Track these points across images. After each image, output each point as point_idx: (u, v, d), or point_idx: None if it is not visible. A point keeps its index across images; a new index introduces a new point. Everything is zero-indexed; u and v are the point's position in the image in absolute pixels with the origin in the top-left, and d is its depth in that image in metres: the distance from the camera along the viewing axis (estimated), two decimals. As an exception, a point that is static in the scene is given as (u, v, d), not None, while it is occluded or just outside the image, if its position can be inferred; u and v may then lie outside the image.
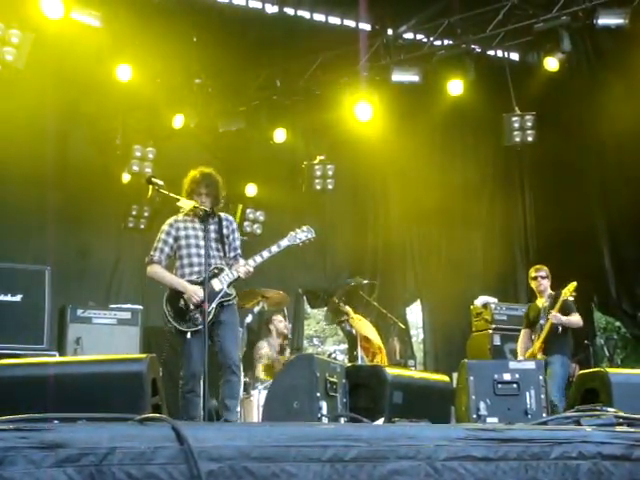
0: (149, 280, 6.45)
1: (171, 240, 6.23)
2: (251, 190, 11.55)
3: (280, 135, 11.14)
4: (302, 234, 6.60)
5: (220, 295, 6.03)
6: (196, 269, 6.13)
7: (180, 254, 6.20)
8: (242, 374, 7.59)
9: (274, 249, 6.35)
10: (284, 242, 6.46)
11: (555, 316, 8.22)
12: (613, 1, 9.42)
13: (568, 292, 8.27)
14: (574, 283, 8.31)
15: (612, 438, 3.31)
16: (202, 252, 6.06)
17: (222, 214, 6.37)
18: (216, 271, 6.08)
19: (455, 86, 10.36)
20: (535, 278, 8.67)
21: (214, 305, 5.98)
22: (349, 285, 10.17)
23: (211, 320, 5.93)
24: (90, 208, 10.60)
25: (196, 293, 5.97)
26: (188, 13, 10.39)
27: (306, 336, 17.34)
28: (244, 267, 6.15)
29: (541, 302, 8.53)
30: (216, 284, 6.03)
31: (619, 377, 4.84)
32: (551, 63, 9.90)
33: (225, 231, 6.26)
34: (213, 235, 6.20)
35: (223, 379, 5.89)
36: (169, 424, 2.64)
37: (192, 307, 6.00)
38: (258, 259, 6.25)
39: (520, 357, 8.42)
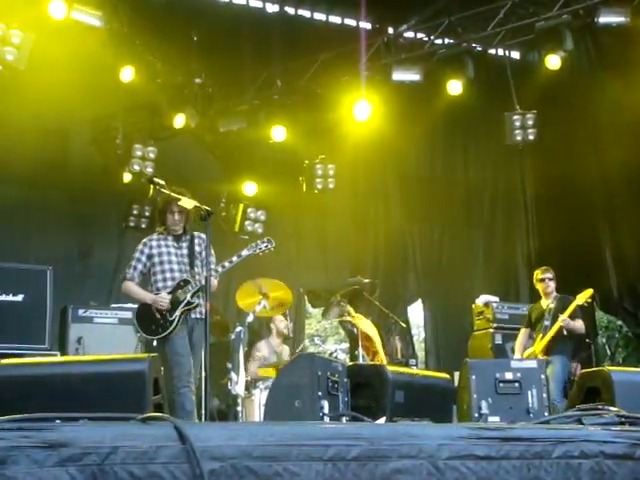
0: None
1: (144, 258, 6.66)
2: (252, 190, 11.55)
3: (281, 134, 11.13)
4: (262, 245, 6.93)
5: (183, 304, 6.40)
6: (169, 284, 6.55)
7: (154, 271, 6.63)
8: (244, 374, 7.62)
9: (234, 259, 6.70)
10: (244, 252, 6.81)
11: (566, 320, 8.21)
12: (614, -1, 9.43)
13: (583, 298, 8.28)
14: (590, 290, 8.32)
15: (614, 437, 3.31)
16: (175, 267, 6.59)
17: (195, 233, 6.73)
18: (182, 283, 6.49)
19: (454, 86, 10.35)
20: (543, 280, 8.66)
21: (177, 313, 6.38)
22: (350, 284, 10.17)
23: (175, 328, 6.35)
24: (91, 208, 10.61)
25: (161, 298, 6.43)
26: (188, 13, 10.39)
27: (307, 335, 17.30)
28: (204, 278, 6.38)
29: (546, 303, 8.52)
30: (180, 294, 6.45)
31: (621, 376, 4.83)
32: (553, 61, 9.88)
33: (197, 248, 6.64)
34: (185, 251, 6.62)
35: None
36: (171, 423, 2.64)
37: (158, 316, 6.42)
38: (219, 269, 6.59)
39: (517, 355, 8.41)
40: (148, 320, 6.45)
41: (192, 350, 6.37)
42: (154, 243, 6.67)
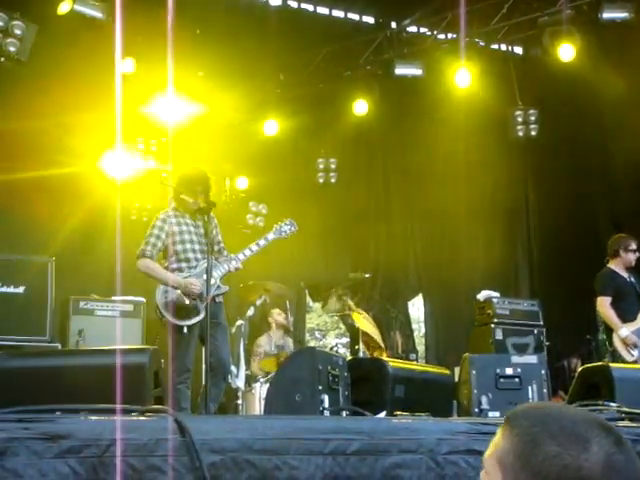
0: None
1: (163, 235, 6.28)
2: (253, 183, 11.55)
3: (283, 128, 11.12)
4: (286, 227, 6.72)
5: (214, 289, 6.06)
6: (193, 263, 6.22)
7: (175, 249, 6.24)
8: (244, 367, 7.63)
9: (262, 242, 6.49)
10: (271, 235, 6.61)
11: None
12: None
13: None
14: None
15: (614, 433, 3.30)
16: (196, 247, 6.23)
17: (211, 214, 6.39)
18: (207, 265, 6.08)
19: (462, 77, 10.31)
20: (635, 251, 8.07)
21: (208, 299, 6.00)
22: (351, 279, 10.18)
23: (205, 314, 5.98)
24: (93, 200, 10.59)
25: (190, 282, 6.06)
26: (191, 6, 10.37)
27: (308, 329, 17.30)
28: (234, 262, 6.29)
29: (626, 274, 8.02)
30: (207, 279, 6.02)
31: (621, 372, 4.84)
32: (566, 53, 9.72)
33: (210, 227, 6.29)
34: (202, 231, 6.24)
35: (213, 381, 5.91)
36: (171, 416, 2.64)
37: (188, 301, 6.07)
38: (247, 252, 6.39)
39: (624, 326, 7.69)
40: (174, 305, 6.07)
41: (219, 332, 6.11)
42: (173, 220, 6.31)
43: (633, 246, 7.95)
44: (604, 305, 7.77)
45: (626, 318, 7.65)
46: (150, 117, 10.71)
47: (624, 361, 7.52)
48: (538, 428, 1.45)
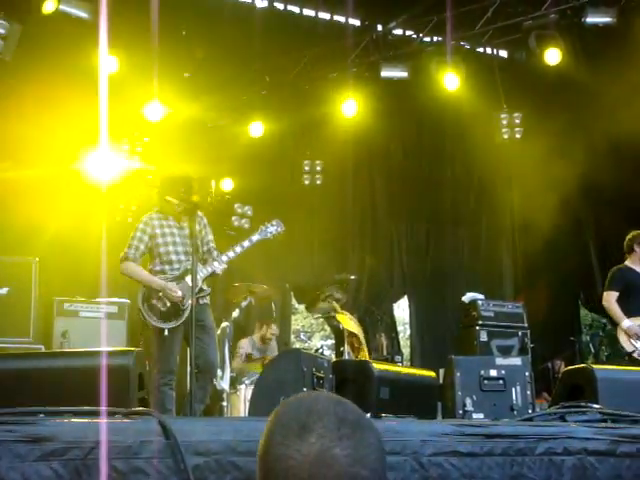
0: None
1: (146, 238, 6.31)
2: (239, 185, 11.53)
3: (269, 130, 11.12)
4: (272, 228, 6.72)
5: (197, 291, 6.03)
6: (176, 266, 6.25)
7: (158, 252, 6.29)
8: (229, 369, 7.62)
9: (246, 244, 6.48)
10: (255, 237, 6.59)
11: None
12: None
13: None
14: None
15: (597, 434, 3.33)
16: (179, 249, 6.26)
17: (199, 212, 6.39)
18: (189, 267, 6.08)
19: (450, 80, 10.34)
20: None
21: (189, 302, 6.01)
22: (337, 281, 10.18)
23: (188, 316, 5.98)
24: (76, 201, 10.55)
25: (173, 290, 6.11)
26: (177, 7, 10.35)
27: (293, 331, 17.29)
28: (217, 263, 6.29)
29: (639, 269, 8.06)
30: (190, 280, 6.03)
31: (604, 373, 4.86)
32: (552, 56, 9.76)
33: (197, 227, 6.28)
34: (187, 232, 6.25)
35: (199, 383, 5.90)
36: (155, 418, 2.64)
37: (169, 304, 6.11)
38: (231, 254, 6.38)
39: (626, 319, 7.68)
40: (156, 307, 6.12)
41: (205, 334, 6.10)
42: (156, 222, 6.34)
43: None
44: (608, 300, 7.86)
45: (634, 312, 7.71)
46: (135, 118, 10.68)
47: (626, 354, 7.59)
48: (278, 418, 1.46)
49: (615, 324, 7.81)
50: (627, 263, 8.05)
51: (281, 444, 1.40)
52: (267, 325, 9.32)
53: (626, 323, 7.61)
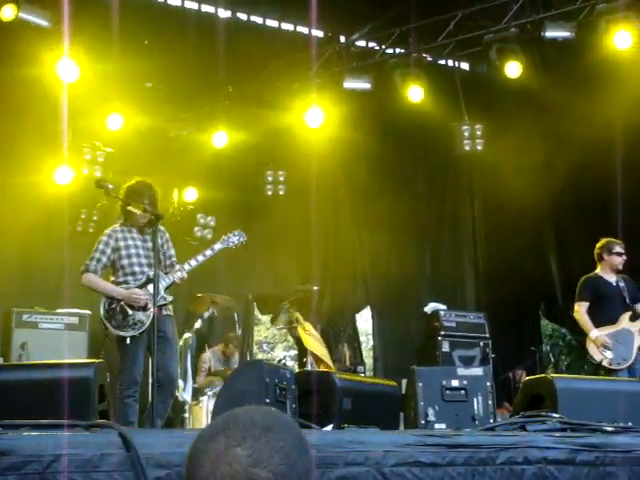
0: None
1: (109, 250, 6.32)
2: (202, 195, 11.49)
3: (232, 140, 11.10)
4: (234, 237, 6.72)
5: (159, 299, 6.04)
6: (139, 277, 6.25)
7: (122, 264, 6.29)
8: (191, 380, 7.57)
9: (208, 253, 6.48)
10: (217, 245, 6.60)
11: None
12: (560, 15, 9.62)
13: None
14: None
15: (556, 443, 3.37)
16: (143, 261, 6.27)
17: (160, 227, 6.37)
18: (151, 276, 6.10)
19: (415, 92, 10.42)
20: (622, 254, 7.98)
21: (152, 310, 6.00)
22: (299, 291, 10.19)
23: (150, 325, 5.99)
24: (37, 211, 10.43)
25: (134, 292, 6.12)
26: (139, 16, 10.31)
27: (256, 342, 17.26)
28: (179, 272, 6.28)
29: (613, 279, 7.95)
30: (152, 289, 6.03)
31: (564, 383, 4.91)
32: (512, 70, 9.86)
33: (160, 241, 6.30)
34: (150, 245, 6.29)
35: (160, 397, 5.86)
36: (116, 430, 2.62)
37: (131, 312, 6.09)
38: (193, 263, 6.39)
39: (595, 330, 7.66)
40: (117, 316, 6.12)
41: (167, 346, 6.11)
42: (119, 235, 6.35)
43: (617, 249, 7.93)
44: (578, 311, 7.83)
45: (604, 322, 7.72)
46: (97, 128, 10.61)
47: (595, 363, 7.63)
48: (207, 426, 1.51)
49: (585, 334, 7.80)
50: (597, 272, 8.00)
51: (195, 448, 1.44)
52: (230, 343, 9.30)
53: (594, 333, 7.62)
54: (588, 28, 9.59)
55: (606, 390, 5.25)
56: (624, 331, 7.68)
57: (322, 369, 9.02)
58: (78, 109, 10.13)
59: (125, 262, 6.28)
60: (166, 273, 6.33)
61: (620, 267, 7.97)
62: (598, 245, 8.04)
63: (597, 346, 7.58)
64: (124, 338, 6.06)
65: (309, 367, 8.78)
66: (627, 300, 7.85)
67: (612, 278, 7.92)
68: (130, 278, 6.27)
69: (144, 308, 6.10)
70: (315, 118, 10.75)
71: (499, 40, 9.85)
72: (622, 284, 7.90)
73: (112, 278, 6.37)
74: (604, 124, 10.97)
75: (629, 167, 11.10)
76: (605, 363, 7.57)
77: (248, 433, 1.40)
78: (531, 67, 10.41)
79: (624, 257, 7.95)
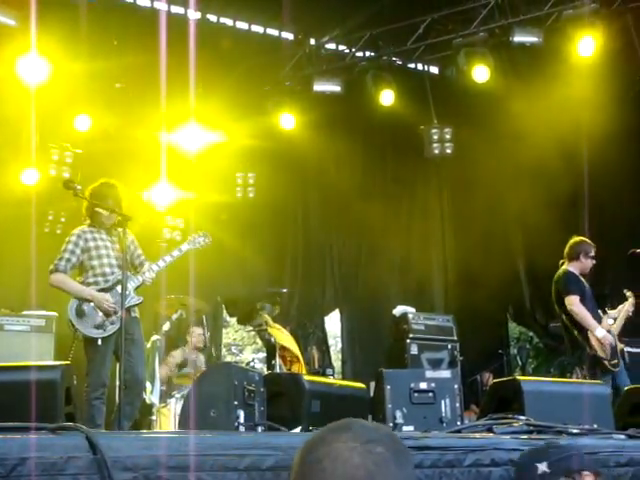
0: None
1: (78, 251, 6.30)
2: (171, 197, 11.43)
3: (199, 142, 11.06)
4: (200, 238, 6.79)
5: (128, 300, 6.07)
6: (109, 278, 6.25)
7: (92, 264, 6.28)
8: (159, 383, 7.53)
9: (176, 253, 6.55)
10: (185, 246, 6.67)
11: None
12: (528, 20, 9.73)
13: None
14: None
15: (523, 445, 3.39)
16: (113, 262, 6.28)
17: (120, 230, 6.36)
18: (120, 277, 6.09)
19: (386, 96, 10.48)
20: (595, 257, 7.91)
21: (121, 311, 5.98)
22: (268, 294, 10.17)
23: (118, 329, 5.98)
24: (4, 212, 10.32)
25: (105, 299, 6.12)
26: (108, 16, 10.25)
27: (224, 344, 17.21)
28: (147, 273, 6.34)
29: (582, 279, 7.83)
30: (120, 290, 6.03)
31: (531, 385, 4.95)
32: (480, 74, 9.92)
33: (128, 243, 6.33)
34: (117, 246, 6.31)
35: (127, 399, 5.83)
36: (83, 433, 2.60)
37: (101, 313, 6.09)
38: (161, 264, 6.44)
39: (600, 327, 7.52)
40: (87, 317, 6.10)
41: (134, 348, 6.11)
42: (89, 235, 6.35)
43: (593, 253, 7.82)
44: (576, 303, 7.49)
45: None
46: (65, 129, 10.53)
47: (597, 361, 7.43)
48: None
49: (582, 329, 7.50)
50: (570, 269, 7.76)
51: (314, 444, 1.57)
52: (189, 333, 9.14)
53: (600, 332, 7.41)
54: (556, 33, 9.73)
55: (572, 392, 5.30)
56: (611, 332, 7.62)
57: (292, 370, 9.02)
58: (46, 110, 10.04)
59: (95, 262, 6.27)
60: (136, 273, 6.34)
61: (588, 272, 7.86)
62: (574, 243, 7.86)
63: (602, 345, 7.36)
64: (95, 339, 6.03)
65: (277, 369, 8.77)
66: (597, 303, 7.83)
67: (582, 278, 7.87)
68: (100, 279, 6.26)
69: (114, 314, 6.11)
70: (287, 121, 10.76)
71: (468, 44, 9.94)
72: (588, 285, 7.88)
73: (79, 279, 6.34)
74: (570, 127, 11.12)
75: (596, 169, 11.26)
76: (612, 366, 7.37)
77: (344, 428, 1.56)
78: (500, 71, 10.51)
79: (594, 261, 7.86)
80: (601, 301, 8.17)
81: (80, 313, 6.13)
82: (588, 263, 7.86)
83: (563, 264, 7.86)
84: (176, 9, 11.44)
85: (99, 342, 6.03)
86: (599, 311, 7.75)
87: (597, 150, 11.15)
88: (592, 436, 4.06)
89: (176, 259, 6.51)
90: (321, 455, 1.52)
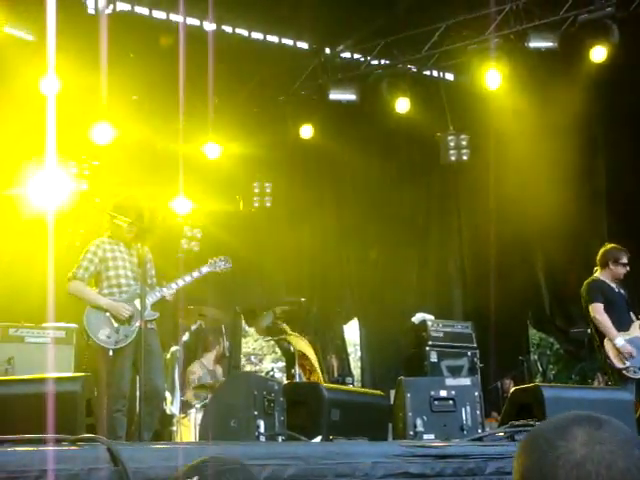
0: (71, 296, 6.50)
1: (97, 260, 6.36)
2: (188, 207, 11.47)
3: (217, 152, 11.11)
4: (221, 263, 6.86)
5: (146, 314, 6.09)
6: (125, 289, 6.30)
7: (107, 275, 6.34)
8: (179, 393, 7.55)
9: (195, 274, 6.62)
10: (205, 268, 6.74)
11: None
12: (543, 25, 9.69)
13: None
14: None
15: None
16: (129, 274, 6.33)
17: (139, 244, 6.40)
18: (139, 291, 6.11)
19: (402, 104, 10.49)
20: (627, 264, 7.84)
21: (137, 324, 6.05)
22: (287, 303, 10.17)
23: (135, 339, 6.02)
24: (23, 224, 10.39)
25: (124, 308, 6.14)
26: (125, 29, 10.31)
27: (244, 354, 17.19)
28: (166, 289, 6.39)
29: (614, 285, 7.79)
30: (139, 304, 6.06)
31: (552, 392, 4.93)
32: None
33: (148, 257, 6.42)
34: (135, 260, 6.35)
35: (147, 410, 5.85)
36: (104, 445, 2.60)
37: (117, 324, 6.10)
38: (180, 282, 6.49)
39: (619, 336, 7.45)
40: (103, 327, 6.13)
41: (152, 358, 6.10)
42: (107, 246, 6.41)
43: (624, 259, 7.75)
44: (598, 311, 7.48)
45: (618, 328, 7.49)
46: (83, 141, 10.59)
47: (615, 370, 7.35)
48: (537, 437, 1.50)
49: (602, 336, 7.47)
50: (599, 276, 7.76)
51: (542, 442, 1.45)
52: (217, 344, 9.17)
53: (619, 341, 7.35)
54: (571, 38, 9.69)
55: (594, 399, 5.27)
56: (637, 339, 7.52)
57: (311, 379, 9.01)
58: (64, 122, 10.11)
59: (112, 273, 6.32)
60: (150, 288, 6.37)
61: (622, 277, 7.79)
62: (604, 250, 7.83)
63: (620, 354, 7.28)
64: (107, 350, 6.06)
65: (297, 378, 8.76)
66: (629, 307, 7.74)
67: (613, 284, 7.79)
68: (115, 290, 6.30)
69: (128, 321, 6.11)
70: (302, 130, 10.80)
71: (482, 51, 9.94)
72: (622, 291, 7.79)
73: (94, 289, 6.39)
74: (588, 131, 11.08)
75: (615, 172, 11.23)
76: (630, 373, 7.26)
77: (596, 422, 1.45)
78: (515, 77, 10.48)
79: (628, 268, 7.78)
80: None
81: (95, 322, 6.16)
82: (619, 270, 7.77)
83: (596, 271, 7.84)
84: (192, 21, 11.50)
85: (110, 353, 6.06)
86: (632, 314, 7.68)
87: (616, 153, 11.09)
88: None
89: (195, 279, 6.55)
90: (580, 458, 1.39)
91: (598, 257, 7.88)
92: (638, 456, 1.41)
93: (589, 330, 7.90)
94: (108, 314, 6.16)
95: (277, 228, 12.28)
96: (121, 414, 5.99)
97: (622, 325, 7.51)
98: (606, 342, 7.43)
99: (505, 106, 11.29)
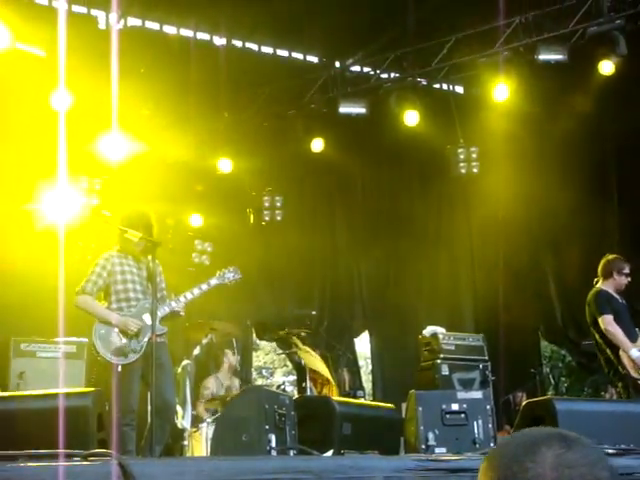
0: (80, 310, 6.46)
1: (105, 274, 6.31)
2: (199, 221, 11.50)
3: (228, 166, 11.14)
4: (230, 274, 6.75)
5: (156, 329, 6.01)
6: (133, 303, 6.25)
7: (116, 289, 6.29)
8: (190, 407, 7.54)
9: (204, 287, 6.52)
10: (213, 281, 6.63)
11: None
12: (552, 38, 9.69)
13: None
14: None
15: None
16: (138, 288, 6.27)
17: (149, 257, 6.37)
18: (147, 306, 6.10)
19: (412, 117, 10.50)
20: (629, 275, 7.80)
21: (146, 339, 6.04)
22: (297, 316, 10.17)
23: (144, 353, 6.01)
24: (34, 239, 10.43)
25: (132, 322, 6.10)
26: (135, 44, 10.37)
27: (255, 367, 17.21)
28: (175, 303, 6.32)
29: (617, 295, 7.73)
30: (147, 319, 6.06)
31: (564, 405, 4.91)
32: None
33: (155, 269, 6.30)
34: (144, 274, 6.32)
35: (157, 423, 5.83)
36: (115, 460, 2.60)
37: (125, 339, 6.08)
38: (189, 296, 6.41)
39: (634, 347, 7.37)
40: (111, 342, 6.09)
41: (162, 372, 6.02)
42: (116, 260, 6.36)
43: (627, 270, 7.71)
44: (610, 323, 7.38)
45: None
46: (94, 155, 10.63)
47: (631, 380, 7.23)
48: (506, 454, 1.49)
49: (615, 348, 7.35)
50: (603, 287, 7.68)
51: (512, 463, 1.44)
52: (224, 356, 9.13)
53: (635, 353, 7.26)
54: (580, 51, 9.69)
55: (607, 412, 5.23)
56: None
57: (323, 392, 8.99)
58: (75, 137, 10.16)
59: (120, 287, 6.28)
60: (159, 302, 6.33)
61: (623, 288, 7.75)
62: (606, 261, 7.78)
63: (635, 363, 7.23)
64: (115, 366, 6.04)
65: (308, 392, 8.75)
66: (632, 317, 7.71)
67: (616, 295, 7.77)
68: (124, 304, 6.25)
69: (137, 336, 6.10)
70: (313, 144, 10.83)
71: (492, 64, 9.96)
72: (624, 301, 7.77)
73: (103, 303, 6.34)
74: (598, 142, 11.07)
75: (626, 182, 11.19)
76: None
77: (564, 442, 1.45)
78: (523, 90, 10.48)
79: (629, 278, 7.73)
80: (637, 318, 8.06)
81: (104, 338, 6.13)
82: (622, 280, 7.73)
83: (597, 282, 7.79)
84: (202, 35, 11.57)
85: (119, 368, 6.04)
86: (636, 329, 7.66)
87: (626, 163, 11.06)
88: (628, 456, 4.00)
89: (204, 292, 6.52)
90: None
91: (600, 268, 7.81)
92: (608, 478, 1.41)
93: (593, 341, 7.85)
94: (117, 329, 6.14)
95: (288, 242, 12.28)
96: (130, 428, 5.97)
97: (630, 336, 7.49)
98: (621, 353, 7.39)
99: (515, 118, 11.30)
